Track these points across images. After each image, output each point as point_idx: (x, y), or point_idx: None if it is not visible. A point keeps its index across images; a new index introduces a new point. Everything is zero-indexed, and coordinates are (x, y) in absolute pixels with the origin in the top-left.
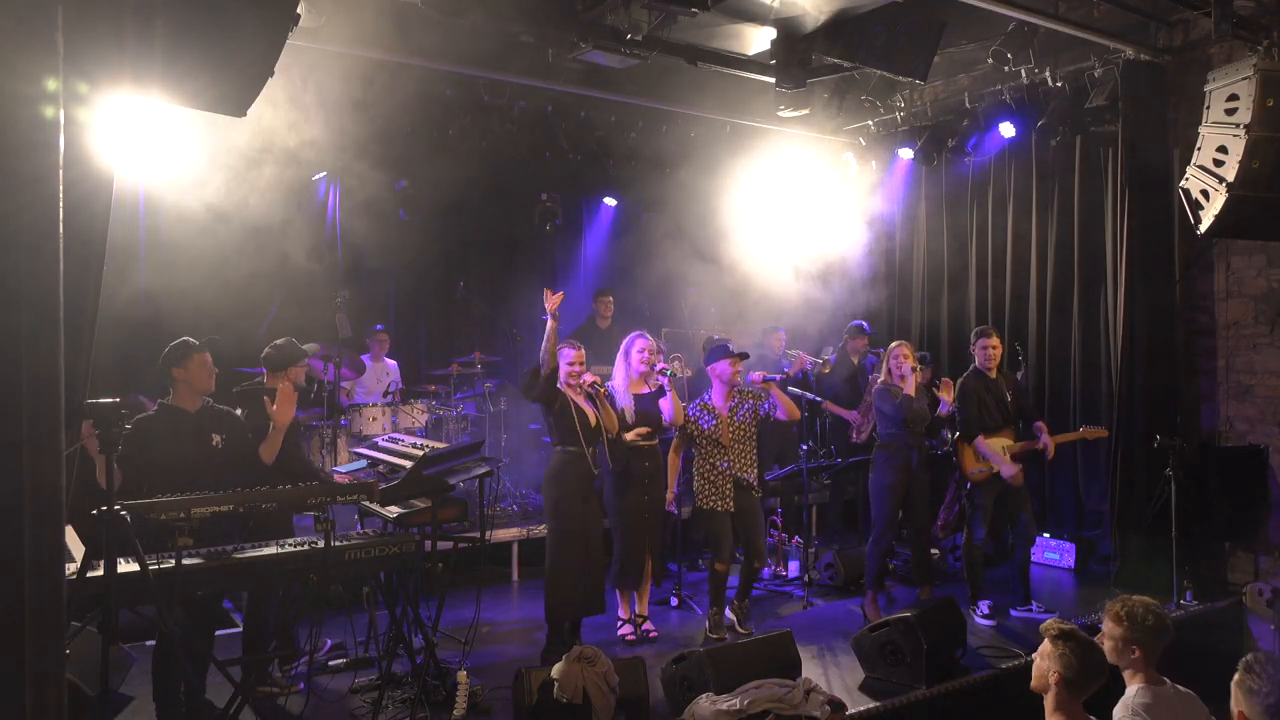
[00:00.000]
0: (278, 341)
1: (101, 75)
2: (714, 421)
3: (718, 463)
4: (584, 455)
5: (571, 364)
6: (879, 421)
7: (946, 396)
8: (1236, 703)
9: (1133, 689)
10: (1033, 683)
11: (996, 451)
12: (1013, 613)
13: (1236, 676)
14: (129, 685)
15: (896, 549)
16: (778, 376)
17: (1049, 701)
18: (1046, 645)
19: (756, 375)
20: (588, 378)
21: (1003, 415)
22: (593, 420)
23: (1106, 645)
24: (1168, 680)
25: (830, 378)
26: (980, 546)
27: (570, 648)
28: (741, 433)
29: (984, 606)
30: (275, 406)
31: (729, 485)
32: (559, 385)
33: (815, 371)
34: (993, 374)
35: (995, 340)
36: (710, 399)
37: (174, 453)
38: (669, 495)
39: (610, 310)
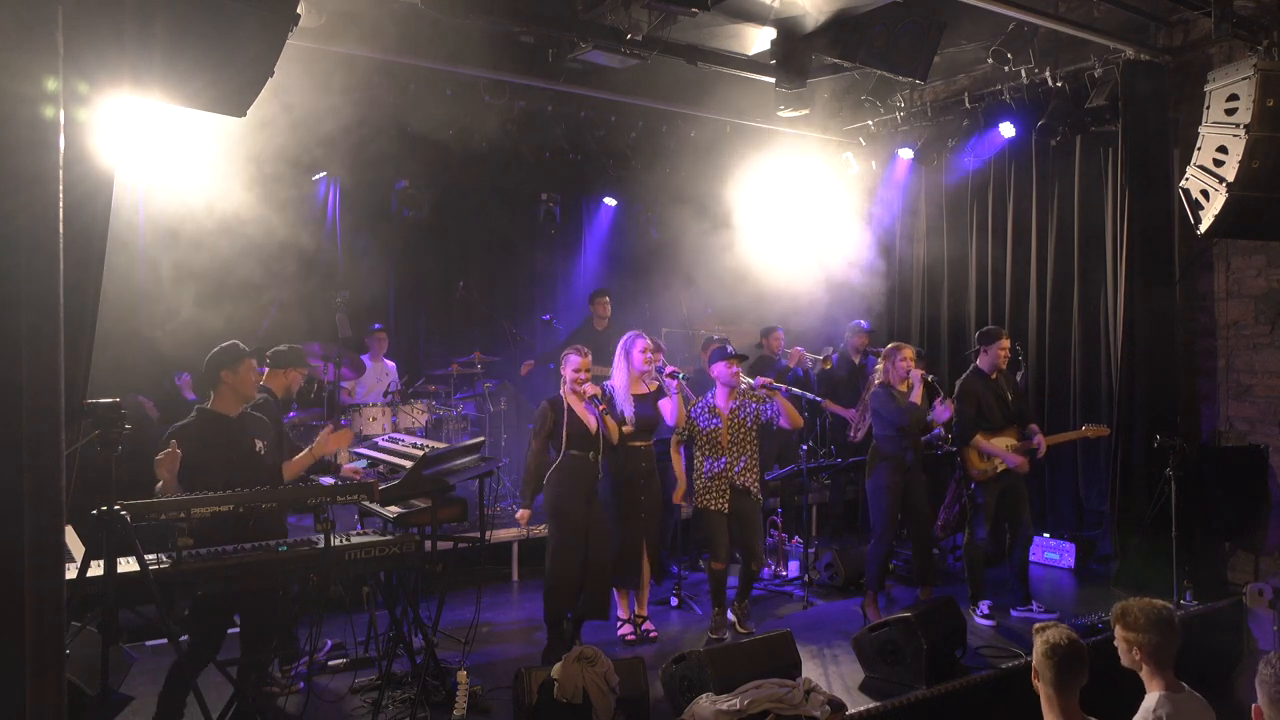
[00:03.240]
0: (291, 345)
1: (101, 75)
2: (716, 423)
3: (715, 463)
4: (584, 460)
5: (578, 370)
6: (875, 422)
7: (945, 408)
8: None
9: (1152, 697)
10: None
11: (1001, 448)
12: (1013, 613)
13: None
14: (129, 685)
15: (896, 549)
16: (783, 388)
17: (1042, 702)
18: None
19: (761, 380)
20: (590, 389)
21: (1005, 415)
22: (592, 428)
23: (1119, 650)
24: (1186, 686)
25: (831, 377)
26: (981, 546)
27: (570, 648)
28: (741, 435)
29: (984, 606)
30: (325, 437)
31: (726, 487)
32: (563, 392)
33: (815, 369)
34: (994, 375)
35: (1008, 341)
36: (713, 400)
37: (221, 459)
38: (680, 489)
39: (608, 310)
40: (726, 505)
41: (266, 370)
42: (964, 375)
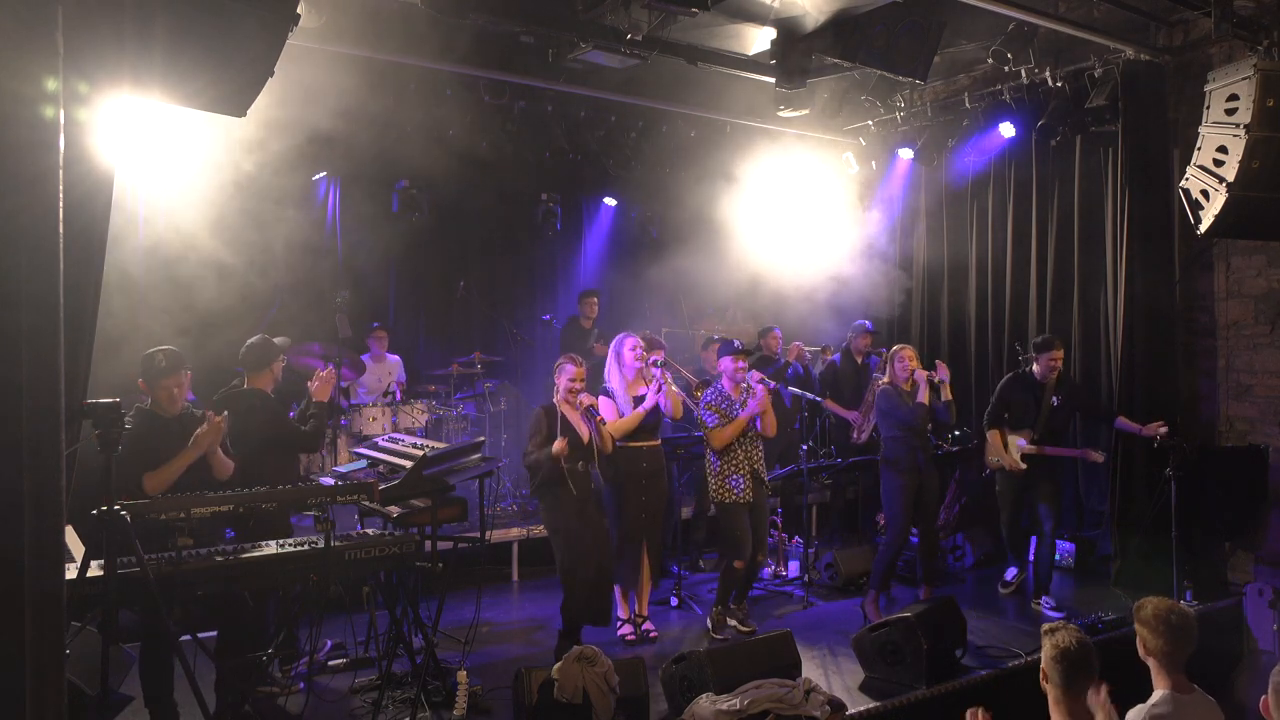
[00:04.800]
0: (251, 341)
1: (101, 75)
2: (721, 416)
3: (735, 453)
4: (574, 469)
5: (572, 380)
6: (882, 424)
7: (943, 375)
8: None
9: (1156, 695)
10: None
11: (1002, 446)
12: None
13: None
14: (129, 685)
15: None
16: (773, 384)
17: (1049, 702)
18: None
19: (755, 375)
20: (586, 399)
21: (1035, 418)
22: (585, 437)
23: (1137, 641)
24: (1197, 688)
25: (835, 377)
26: (1008, 530)
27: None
28: (750, 427)
29: (1010, 574)
30: (200, 434)
31: (748, 476)
32: (556, 400)
33: (815, 363)
34: (1043, 380)
35: (1059, 353)
36: (724, 389)
37: (157, 458)
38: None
39: (595, 311)
40: (750, 495)
41: (244, 373)
42: (1007, 376)
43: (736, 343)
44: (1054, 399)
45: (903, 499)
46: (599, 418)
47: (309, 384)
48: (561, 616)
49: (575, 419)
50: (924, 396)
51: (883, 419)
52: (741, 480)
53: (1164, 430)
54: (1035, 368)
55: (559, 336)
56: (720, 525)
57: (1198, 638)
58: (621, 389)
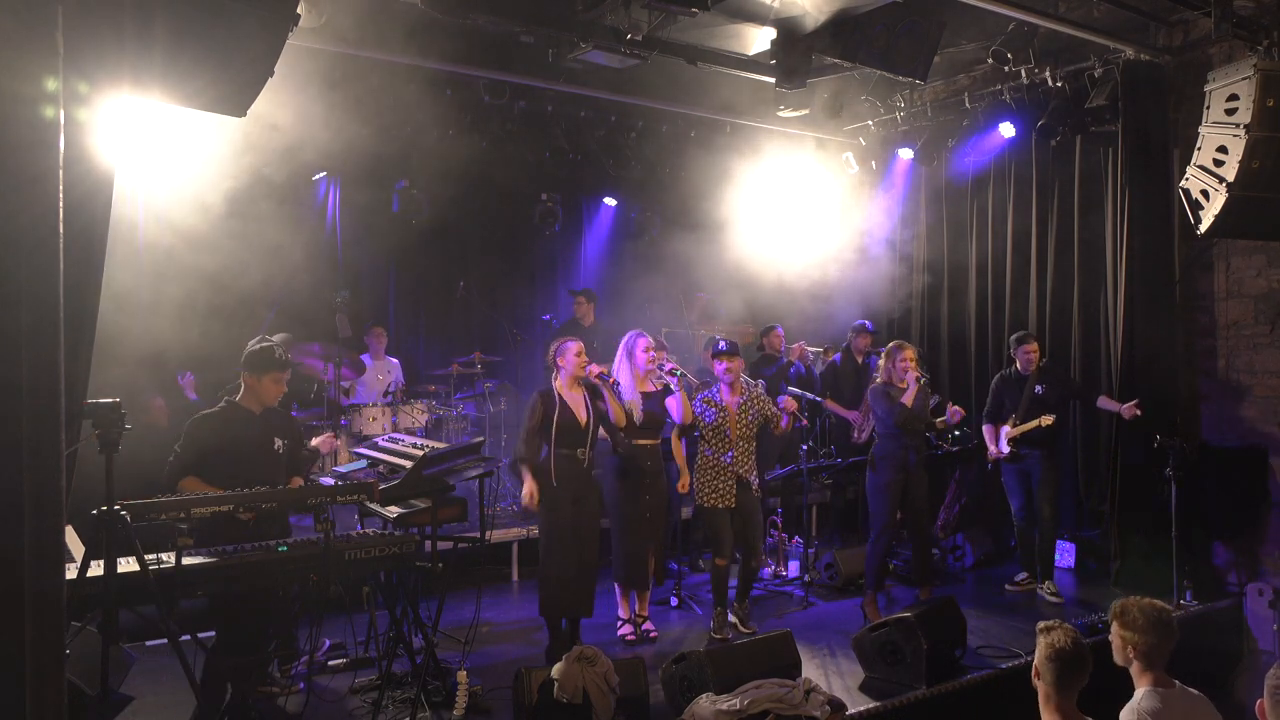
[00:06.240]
0: (251, 345)
1: (101, 75)
2: (717, 416)
3: (721, 458)
4: (572, 458)
5: (579, 355)
6: (875, 421)
7: (954, 413)
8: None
9: (1140, 692)
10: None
11: (992, 435)
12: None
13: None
14: (129, 685)
15: (896, 549)
16: (782, 401)
17: (1040, 699)
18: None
19: (787, 395)
20: (595, 368)
21: (1012, 407)
22: (582, 421)
23: (1113, 646)
24: (1177, 683)
25: (835, 377)
26: (1017, 520)
27: (571, 646)
28: (746, 430)
29: (1020, 575)
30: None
31: (731, 481)
32: (555, 384)
33: (817, 363)
34: (1027, 372)
35: (1032, 346)
36: (716, 395)
37: (239, 451)
38: (684, 479)
39: (583, 309)
40: (732, 501)
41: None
42: (997, 376)
43: (721, 342)
44: (1037, 388)
45: (887, 497)
46: (612, 379)
47: (315, 441)
48: (540, 612)
49: (574, 402)
50: (909, 398)
51: (874, 417)
52: (723, 486)
53: (1138, 411)
54: (1017, 363)
55: (560, 333)
56: (701, 525)
57: (1179, 632)
58: (630, 385)
